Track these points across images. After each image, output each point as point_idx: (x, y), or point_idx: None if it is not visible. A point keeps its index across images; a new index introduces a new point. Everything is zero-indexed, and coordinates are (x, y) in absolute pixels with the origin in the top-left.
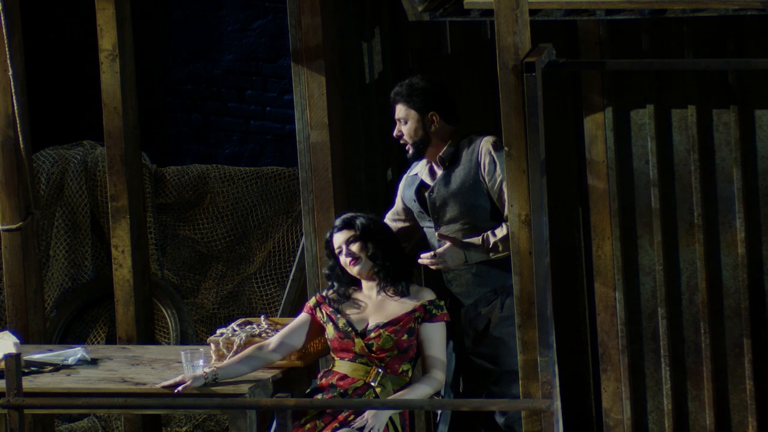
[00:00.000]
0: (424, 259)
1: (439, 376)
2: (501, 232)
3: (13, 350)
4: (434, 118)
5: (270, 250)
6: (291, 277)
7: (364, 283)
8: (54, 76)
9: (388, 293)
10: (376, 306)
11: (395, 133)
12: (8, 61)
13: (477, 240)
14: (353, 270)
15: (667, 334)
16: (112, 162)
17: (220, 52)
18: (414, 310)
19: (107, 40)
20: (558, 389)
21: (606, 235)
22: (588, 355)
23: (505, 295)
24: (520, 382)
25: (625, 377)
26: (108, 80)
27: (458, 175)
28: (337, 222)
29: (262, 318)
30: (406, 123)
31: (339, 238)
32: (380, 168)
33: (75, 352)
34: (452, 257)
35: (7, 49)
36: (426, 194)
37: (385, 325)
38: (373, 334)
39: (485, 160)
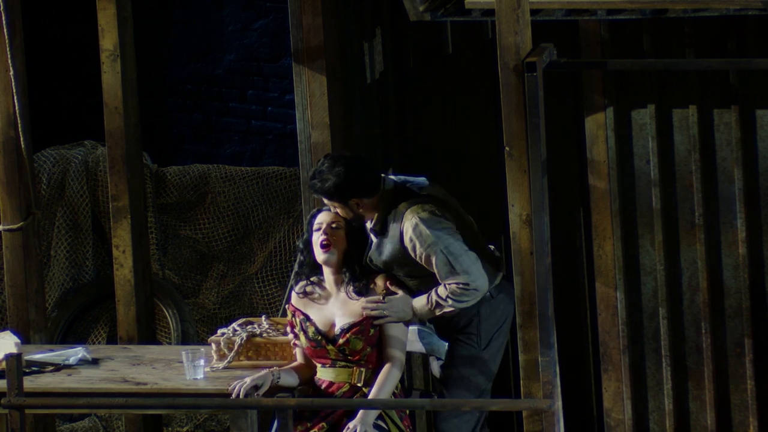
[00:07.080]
0: (369, 303)
1: (398, 355)
2: (441, 290)
3: (14, 350)
4: (357, 203)
5: (271, 250)
6: (292, 277)
7: (327, 276)
8: (55, 76)
9: (350, 291)
10: (340, 304)
11: (332, 209)
12: (9, 61)
13: (423, 299)
14: (320, 254)
15: (669, 334)
16: (114, 162)
17: (221, 52)
18: None
19: (108, 40)
20: (559, 389)
21: (607, 235)
22: (589, 355)
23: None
24: (521, 381)
25: (627, 377)
26: (109, 80)
27: (388, 246)
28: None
29: (263, 318)
30: (335, 207)
31: (324, 217)
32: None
33: (76, 352)
34: (399, 309)
35: (8, 49)
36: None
37: (350, 328)
38: (341, 340)
39: (408, 244)
